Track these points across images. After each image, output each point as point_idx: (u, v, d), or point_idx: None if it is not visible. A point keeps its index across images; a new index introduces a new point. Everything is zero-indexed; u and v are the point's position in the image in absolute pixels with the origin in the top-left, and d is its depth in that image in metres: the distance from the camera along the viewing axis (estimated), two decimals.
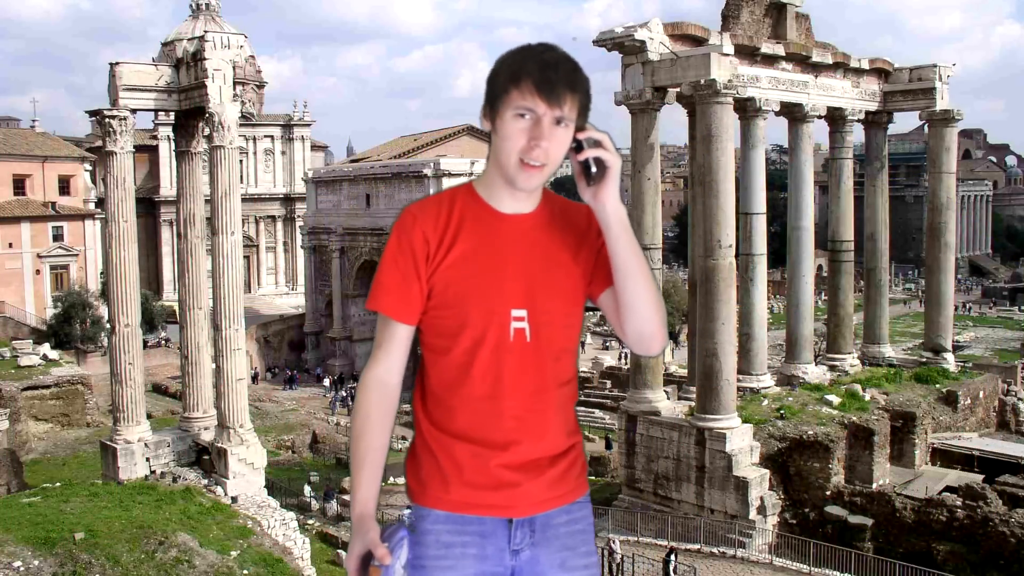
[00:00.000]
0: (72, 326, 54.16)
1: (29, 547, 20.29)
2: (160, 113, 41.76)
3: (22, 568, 19.52)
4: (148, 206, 75.68)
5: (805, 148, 36.18)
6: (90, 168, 63.94)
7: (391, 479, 27.00)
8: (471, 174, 54.72)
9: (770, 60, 33.34)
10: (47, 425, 42.61)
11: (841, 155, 38.52)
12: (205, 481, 27.54)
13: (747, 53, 32.08)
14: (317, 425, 49.15)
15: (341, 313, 64.05)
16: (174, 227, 61.66)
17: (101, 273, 54.60)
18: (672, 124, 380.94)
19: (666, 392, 33.09)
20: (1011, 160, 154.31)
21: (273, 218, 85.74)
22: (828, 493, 29.22)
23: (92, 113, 34.36)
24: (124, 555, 20.67)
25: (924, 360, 39.05)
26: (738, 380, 31.04)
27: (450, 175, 55.69)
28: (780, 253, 44.60)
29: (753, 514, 28.10)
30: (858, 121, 38.40)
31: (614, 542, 26.57)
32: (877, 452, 30.66)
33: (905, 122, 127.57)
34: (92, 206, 60.42)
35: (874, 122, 39.43)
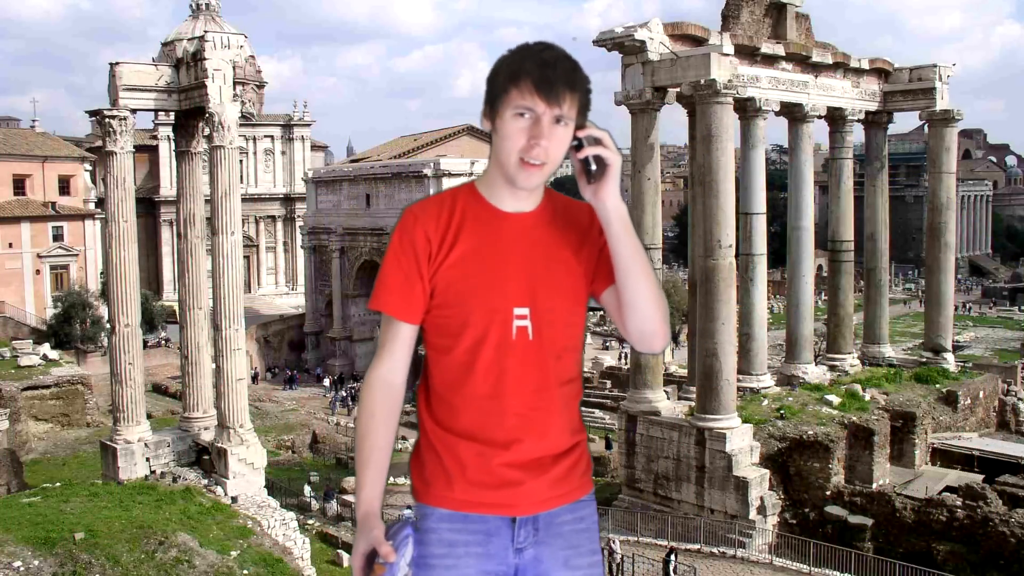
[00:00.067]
0: (72, 326, 54.16)
1: (29, 547, 20.30)
2: (160, 113, 41.78)
3: (22, 568, 19.52)
4: (148, 206, 75.69)
5: (805, 148, 36.19)
6: (90, 168, 63.95)
7: (391, 479, 26.94)
8: (471, 174, 54.73)
9: (770, 60, 33.35)
10: (47, 425, 42.61)
11: (841, 155, 38.53)
12: (205, 481, 27.55)
13: (747, 53, 32.08)
14: (317, 425, 49.15)
15: (341, 313, 64.07)
16: (174, 227, 61.68)
17: (101, 273, 54.61)
18: (672, 124, 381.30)
19: (666, 392, 33.09)
20: (1011, 160, 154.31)
21: (273, 218, 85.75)
22: (828, 493, 29.23)
23: (92, 113, 34.37)
24: (124, 555, 20.67)
25: (924, 360, 39.05)
26: (738, 380, 31.04)
27: (450, 175, 55.70)
28: (780, 253, 44.61)
29: (753, 514, 28.11)
30: (858, 121, 38.41)
31: (614, 542, 26.57)
32: (877, 452, 30.66)
33: (905, 122, 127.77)
34: (92, 206, 60.43)
35: (874, 122, 39.44)
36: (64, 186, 61.29)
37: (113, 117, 27.27)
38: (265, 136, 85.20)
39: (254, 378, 55.34)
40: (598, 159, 2.52)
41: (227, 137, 27.40)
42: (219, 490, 27.05)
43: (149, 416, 31.49)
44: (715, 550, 27.24)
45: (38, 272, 58.94)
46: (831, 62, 35.78)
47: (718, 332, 29.07)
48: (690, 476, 29.38)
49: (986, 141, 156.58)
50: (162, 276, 78.86)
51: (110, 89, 27.67)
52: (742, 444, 28.81)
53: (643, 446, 30.69)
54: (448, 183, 54.20)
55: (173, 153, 43.22)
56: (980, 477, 30.64)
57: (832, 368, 37.74)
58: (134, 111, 28.10)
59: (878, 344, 40.27)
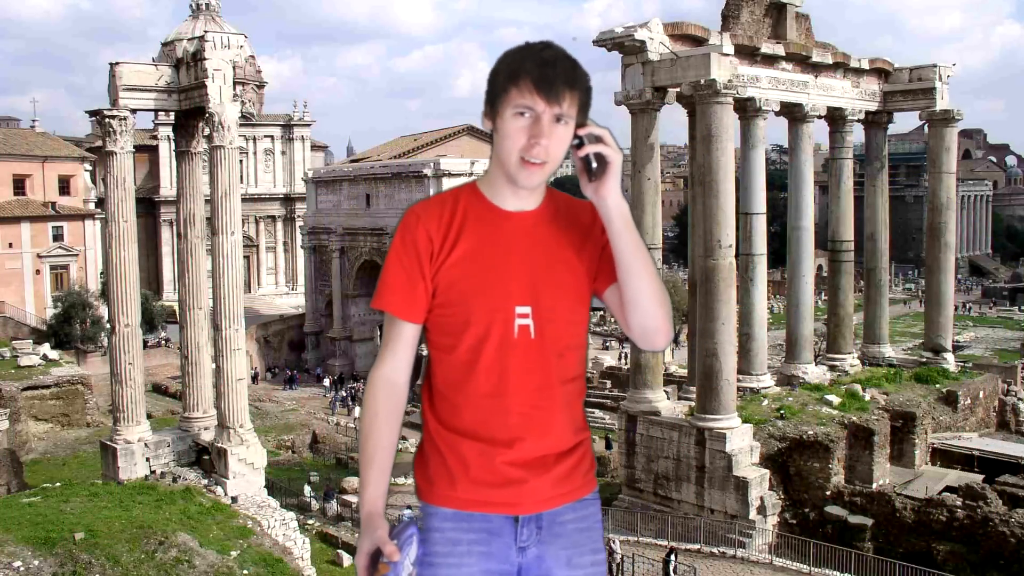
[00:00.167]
0: (72, 326, 54.16)
1: (29, 547, 20.30)
2: (160, 113, 41.78)
3: (22, 568, 19.53)
4: (148, 206, 75.70)
5: (805, 148, 36.19)
6: (90, 168, 63.96)
7: (391, 479, 26.91)
8: (471, 174, 54.75)
9: (770, 60, 33.35)
10: (47, 425, 42.61)
11: (841, 155, 38.54)
12: (205, 481, 27.55)
13: (747, 53, 32.09)
14: (317, 425, 49.15)
15: (341, 313, 64.08)
16: (174, 227, 61.68)
17: (101, 273, 54.62)
18: (672, 124, 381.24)
19: (666, 392, 33.09)
20: (1011, 160, 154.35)
21: (273, 218, 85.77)
22: (828, 493, 29.23)
23: (92, 113, 34.38)
24: (124, 555, 20.67)
25: (924, 360, 39.06)
26: (738, 380, 31.05)
27: (450, 175, 55.71)
28: (780, 253, 44.62)
29: (753, 514, 28.11)
30: (858, 121, 38.41)
31: (614, 542, 26.57)
32: (877, 452, 30.67)
33: (905, 122, 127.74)
34: (92, 206, 60.44)
35: (874, 122, 39.45)
36: (64, 186, 61.30)
37: (113, 117, 27.28)
38: (265, 136, 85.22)
39: (254, 378, 55.35)
40: (599, 157, 2.52)
41: (227, 137, 27.40)
42: (219, 490, 27.05)
43: (149, 416, 31.49)
44: (715, 550, 27.24)
45: (38, 272, 58.95)
46: (831, 62, 35.79)
47: (718, 332, 29.07)
48: (690, 476, 29.38)
49: (986, 141, 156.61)
50: (162, 276, 78.88)
51: (110, 89, 27.67)
52: (742, 444, 28.82)
53: (643, 446, 30.69)
54: (448, 183, 54.20)
55: (173, 153, 43.22)
56: (980, 477, 30.64)
57: (832, 368, 37.75)
58: (134, 111, 28.10)
59: (878, 344, 40.28)
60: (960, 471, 32.40)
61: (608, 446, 40.42)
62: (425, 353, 2.83)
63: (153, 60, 29.27)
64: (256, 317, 65.99)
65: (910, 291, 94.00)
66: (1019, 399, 39.85)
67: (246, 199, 55.50)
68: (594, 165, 2.52)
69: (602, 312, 61.48)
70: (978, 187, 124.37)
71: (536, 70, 2.50)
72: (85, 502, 24.17)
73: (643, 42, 29.98)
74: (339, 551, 29.06)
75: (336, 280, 64.36)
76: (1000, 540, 26.06)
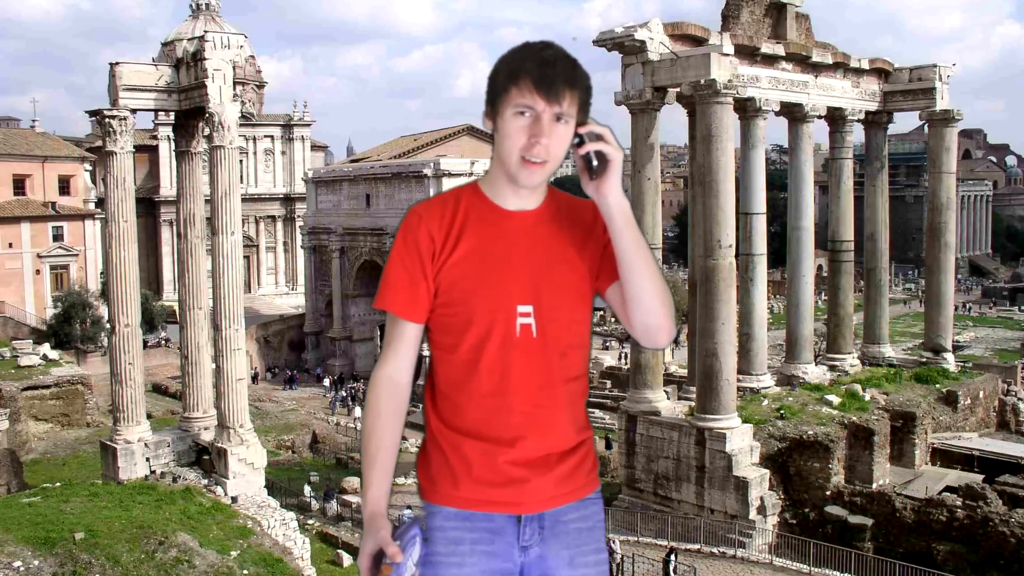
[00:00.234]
0: (72, 326, 54.16)
1: (29, 547, 20.30)
2: (160, 113, 41.77)
3: (22, 568, 19.53)
4: (148, 206, 75.70)
5: (805, 148, 36.20)
6: (90, 168, 63.96)
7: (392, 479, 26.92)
8: (471, 174, 54.77)
9: (770, 60, 33.35)
10: (47, 425, 42.62)
11: (841, 155, 38.54)
12: (205, 481, 27.55)
13: (747, 53, 32.09)
14: (317, 425, 49.16)
15: (341, 313, 64.09)
16: (174, 227, 61.69)
17: (101, 273, 54.61)
18: (672, 124, 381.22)
19: (666, 392, 33.10)
20: (1011, 160, 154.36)
21: (273, 218, 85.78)
22: (828, 493, 29.23)
23: (92, 113, 34.38)
24: (124, 555, 20.67)
25: (924, 360, 39.06)
26: (738, 380, 31.05)
27: (450, 175, 55.71)
28: (780, 253, 44.61)
29: (753, 514, 28.11)
30: (858, 121, 38.41)
31: (614, 542, 26.56)
32: (877, 452, 30.67)
33: (905, 122, 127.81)
34: (92, 206, 60.44)
35: (874, 122, 39.45)
36: (64, 186, 61.30)
37: (113, 117, 27.28)
38: (265, 136, 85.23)
39: (254, 378, 55.35)
40: (600, 155, 2.53)
41: (227, 137, 27.40)
42: (219, 490, 27.05)
43: (149, 416, 31.49)
44: (715, 550, 27.24)
45: (38, 272, 58.96)
46: (831, 62, 35.79)
47: (718, 332, 29.08)
48: (690, 476, 29.38)
49: (986, 141, 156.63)
50: (162, 276, 78.88)
51: (110, 89, 27.67)
52: (742, 444, 28.82)
53: (643, 446, 30.70)
54: (448, 183, 54.22)
55: (173, 153, 43.22)
56: (980, 477, 30.65)
57: (832, 368, 37.75)
58: (134, 111, 28.10)
59: (878, 344, 40.28)
60: (960, 471, 32.41)
61: (608, 446, 40.41)
62: (427, 353, 2.83)
63: (153, 60, 29.27)
64: (256, 317, 66.00)
65: (910, 291, 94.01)
66: (1019, 399, 39.85)
67: (246, 199, 55.49)
68: (595, 163, 2.53)
69: (602, 312, 61.44)
70: (978, 187, 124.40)
71: (536, 70, 2.50)
72: (85, 502, 24.18)
73: (643, 42, 29.98)
74: (339, 551, 29.06)
75: (336, 280, 64.37)
76: (1000, 540, 26.07)
